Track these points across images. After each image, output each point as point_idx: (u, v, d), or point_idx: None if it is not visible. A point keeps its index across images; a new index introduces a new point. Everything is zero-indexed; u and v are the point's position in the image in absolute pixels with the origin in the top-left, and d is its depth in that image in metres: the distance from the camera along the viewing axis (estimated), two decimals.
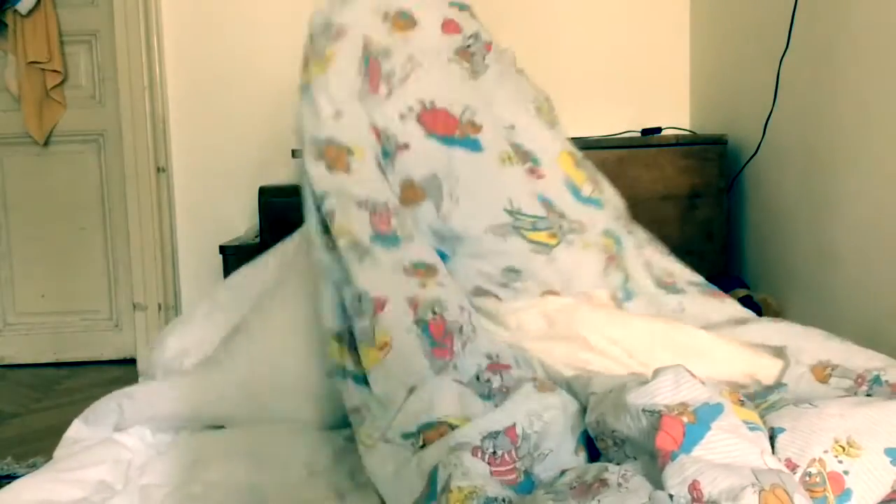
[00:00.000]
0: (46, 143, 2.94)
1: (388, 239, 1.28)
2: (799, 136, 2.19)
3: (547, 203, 1.47)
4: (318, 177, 1.37)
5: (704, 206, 2.47)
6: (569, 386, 1.17)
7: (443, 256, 1.39)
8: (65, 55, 2.90)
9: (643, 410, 0.94)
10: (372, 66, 1.47)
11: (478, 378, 1.15)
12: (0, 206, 3.00)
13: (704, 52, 2.85)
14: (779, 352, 1.31)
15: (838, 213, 2.00)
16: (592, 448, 1.07)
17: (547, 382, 1.17)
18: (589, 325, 1.31)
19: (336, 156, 1.36)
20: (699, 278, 1.65)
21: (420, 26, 1.54)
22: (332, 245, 1.31)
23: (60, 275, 3.02)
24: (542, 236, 1.41)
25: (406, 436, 1.06)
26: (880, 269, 1.84)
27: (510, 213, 1.41)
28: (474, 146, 1.44)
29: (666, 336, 1.30)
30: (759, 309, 1.90)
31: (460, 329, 1.17)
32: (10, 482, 1.24)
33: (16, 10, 2.80)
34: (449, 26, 1.57)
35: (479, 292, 1.37)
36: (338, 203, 1.32)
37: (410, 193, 1.41)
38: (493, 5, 3.04)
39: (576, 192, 1.52)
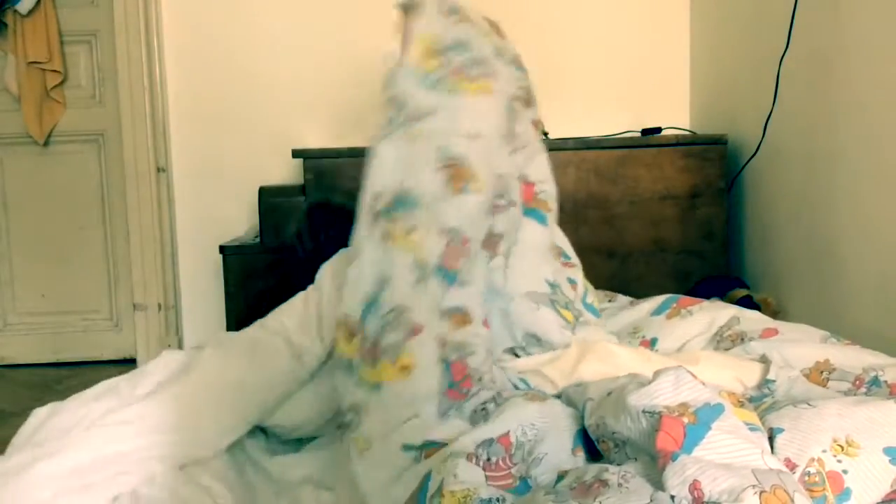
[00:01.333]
0: (46, 143, 2.94)
1: (447, 275, 1.28)
2: (799, 136, 2.19)
3: (575, 285, 1.55)
4: (427, 183, 1.33)
5: (704, 206, 2.47)
6: (567, 396, 1.19)
7: None
8: (65, 55, 2.90)
9: (643, 412, 0.94)
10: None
11: (475, 411, 1.18)
12: (0, 206, 3.00)
13: (704, 52, 2.85)
14: (761, 358, 1.33)
15: (838, 213, 2.00)
16: (591, 448, 1.08)
17: (537, 394, 1.20)
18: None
19: (458, 174, 1.34)
20: (657, 301, 1.72)
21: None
22: (388, 244, 1.28)
23: (60, 275, 3.02)
24: (569, 316, 1.47)
25: (407, 447, 1.06)
26: (880, 268, 1.84)
27: (550, 284, 1.47)
28: (542, 220, 1.53)
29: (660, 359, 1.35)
30: (758, 309, 1.89)
31: (479, 378, 1.20)
32: None
33: (16, 10, 2.80)
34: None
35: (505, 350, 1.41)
36: (424, 220, 1.30)
37: (491, 243, 1.42)
38: (494, 6, 3.05)
39: (585, 294, 1.61)
